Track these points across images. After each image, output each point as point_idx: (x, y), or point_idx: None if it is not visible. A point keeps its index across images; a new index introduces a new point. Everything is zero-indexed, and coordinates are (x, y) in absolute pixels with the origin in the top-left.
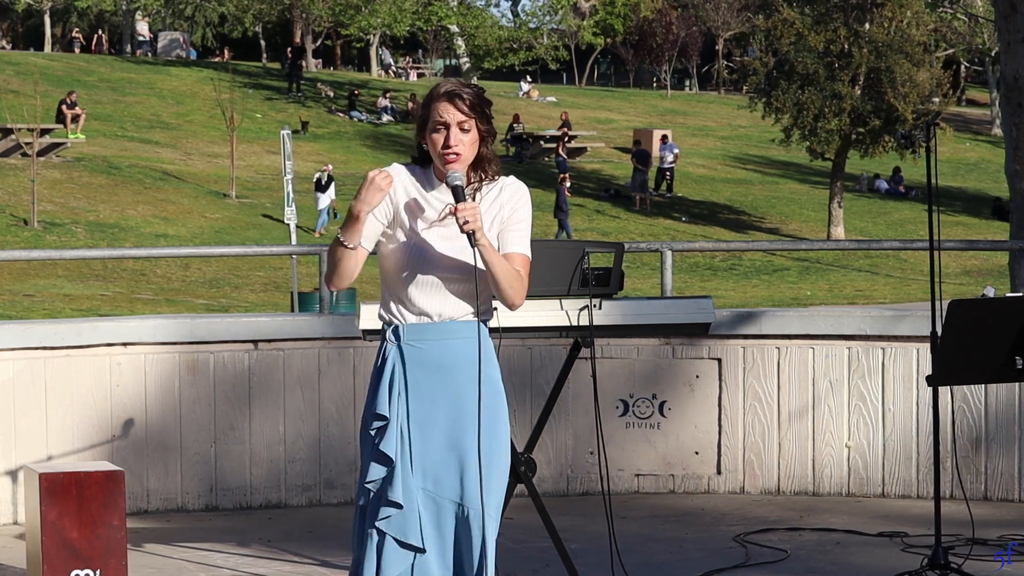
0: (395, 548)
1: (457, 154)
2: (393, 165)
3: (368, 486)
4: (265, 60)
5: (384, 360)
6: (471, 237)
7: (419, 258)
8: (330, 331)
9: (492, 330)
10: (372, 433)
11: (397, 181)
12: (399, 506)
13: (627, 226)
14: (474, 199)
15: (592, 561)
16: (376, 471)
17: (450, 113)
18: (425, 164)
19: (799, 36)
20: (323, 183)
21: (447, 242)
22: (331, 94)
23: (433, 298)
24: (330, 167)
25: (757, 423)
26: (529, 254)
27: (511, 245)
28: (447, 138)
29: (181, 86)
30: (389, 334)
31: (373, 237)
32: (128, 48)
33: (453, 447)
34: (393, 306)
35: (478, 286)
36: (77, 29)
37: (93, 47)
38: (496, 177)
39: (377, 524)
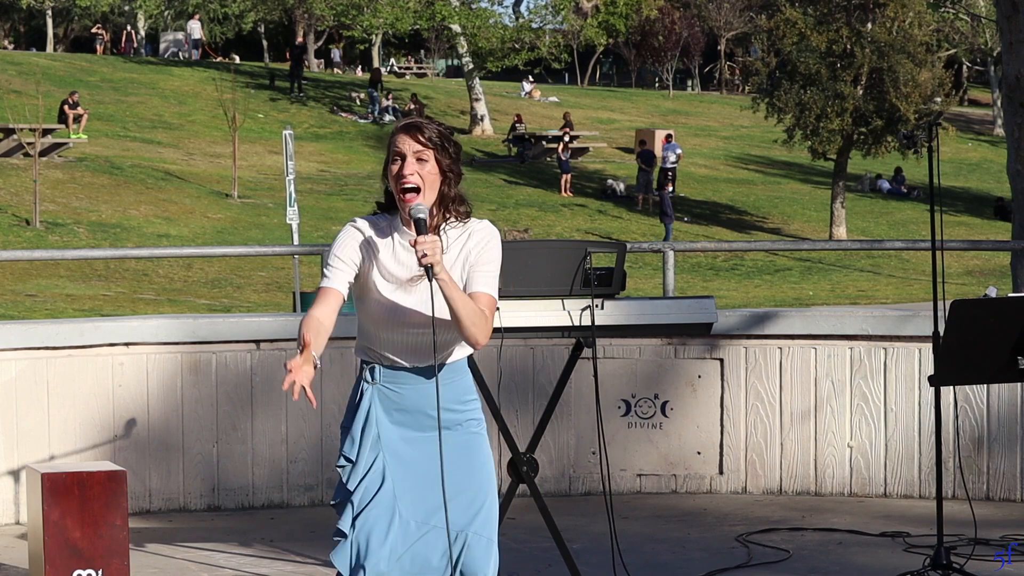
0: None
1: (415, 186)
2: (356, 220)
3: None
4: (268, 60)
5: (361, 397)
6: (428, 271)
7: (390, 315)
8: (332, 332)
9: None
10: (339, 470)
11: (361, 236)
12: (344, 535)
13: (629, 226)
14: (444, 242)
15: (594, 561)
16: (343, 500)
17: (406, 144)
18: (392, 211)
19: (801, 36)
20: None
21: (417, 295)
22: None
23: (405, 351)
24: None
25: (759, 423)
26: (496, 295)
27: (477, 285)
28: (401, 167)
29: (183, 86)
30: (366, 373)
31: (348, 286)
32: (135, 47)
33: (433, 484)
34: (368, 348)
35: (435, 324)
36: (99, 26)
37: (123, 46)
38: (466, 220)
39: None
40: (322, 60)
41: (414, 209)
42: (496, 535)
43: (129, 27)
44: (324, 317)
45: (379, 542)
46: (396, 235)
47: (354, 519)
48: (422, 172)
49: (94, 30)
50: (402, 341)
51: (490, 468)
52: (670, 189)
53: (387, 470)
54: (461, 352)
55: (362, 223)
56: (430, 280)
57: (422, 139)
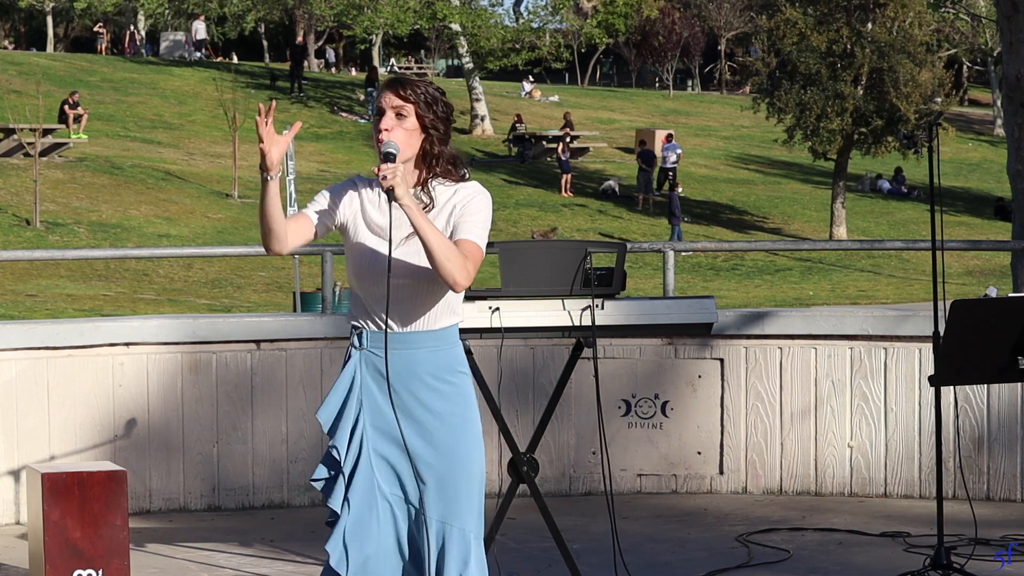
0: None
1: (387, 129)
2: (354, 176)
3: (313, 483)
4: (268, 60)
5: (346, 363)
6: (390, 194)
7: (374, 267)
8: (332, 331)
9: (480, 332)
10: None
11: (354, 189)
12: (336, 514)
13: (629, 226)
14: (429, 197)
15: (595, 561)
16: (321, 471)
17: (387, 99)
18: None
19: (802, 36)
20: None
21: (401, 249)
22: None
23: (392, 308)
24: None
25: (760, 423)
26: (481, 244)
27: (460, 233)
28: (379, 121)
29: (184, 86)
30: (353, 338)
31: (324, 219)
32: (138, 47)
33: (416, 459)
34: (359, 311)
35: (391, 240)
36: (100, 25)
37: (127, 46)
38: (457, 181)
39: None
40: (322, 60)
41: (384, 145)
42: (480, 528)
43: (132, 27)
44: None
45: (362, 524)
46: (380, 190)
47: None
48: (402, 127)
49: (96, 29)
50: (393, 294)
51: (479, 455)
52: (680, 190)
53: (368, 445)
54: (449, 318)
55: (359, 178)
56: (390, 203)
57: (403, 94)
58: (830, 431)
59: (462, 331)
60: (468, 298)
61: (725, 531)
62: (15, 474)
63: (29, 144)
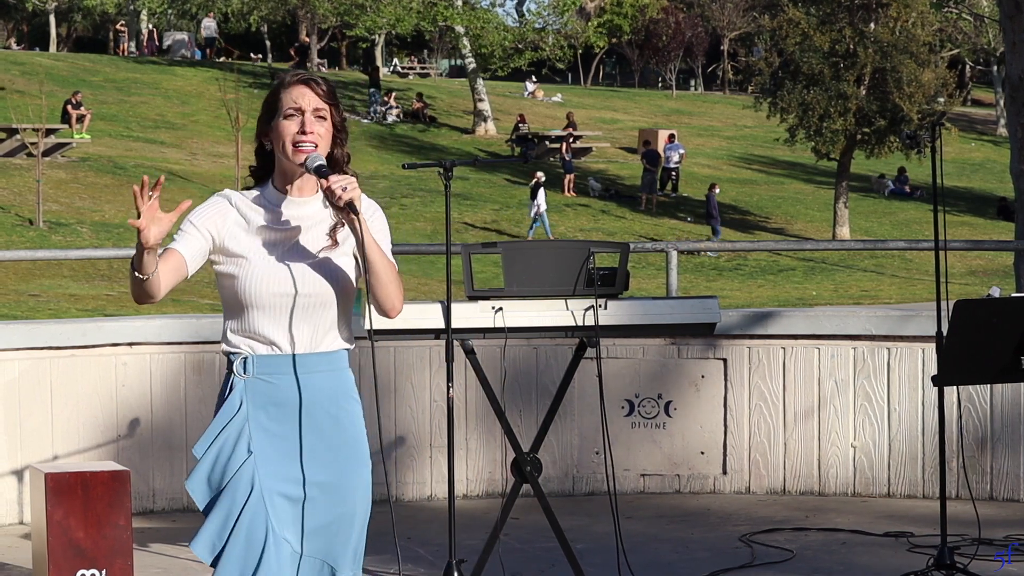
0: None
1: (314, 144)
2: (223, 191)
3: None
4: (271, 60)
5: (231, 392)
6: (351, 206)
7: (267, 282)
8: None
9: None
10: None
11: (228, 206)
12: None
13: (632, 226)
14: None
15: (598, 561)
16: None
17: (306, 98)
18: (262, 180)
19: (804, 36)
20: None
21: (299, 262)
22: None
23: (284, 326)
24: (541, 175)
25: (763, 423)
26: (396, 265)
27: None
28: (303, 124)
29: (186, 86)
30: (237, 366)
31: (197, 255)
32: (157, 46)
33: (311, 497)
34: (238, 336)
35: (367, 269)
36: (122, 24)
37: (145, 45)
38: None
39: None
40: (325, 60)
41: (311, 158)
42: (359, 568)
43: (149, 26)
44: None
45: (256, 563)
46: (269, 199)
47: (228, 536)
48: (322, 132)
49: (118, 27)
50: (284, 311)
51: (368, 492)
52: (717, 190)
53: (256, 477)
54: (343, 341)
55: (231, 192)
56: (356, 214)
57: (322, 93)
58: (833, 431)
59: (467, 330)
60: (471, 298)
61: (728, 531)
62: (18, 474)
63: (32, 144)
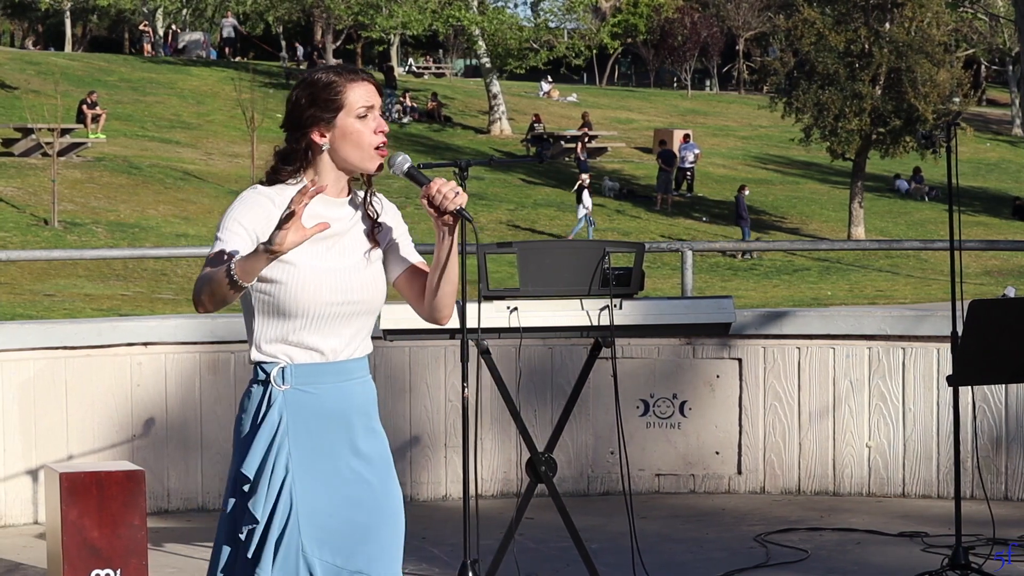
0: None
1: (385, 132)
2: (256, 187)
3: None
4: (285, 60)
5: (269, 407)
6: (463, 212)
7: (319, 290)
8: None
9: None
10: (244, 492)
11: (272, 207)
12: None
13: (648, 226)
14: (381, 205)
15: (613, 561)
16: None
17: (373, 95)
18: (291, 176)
19: (820, 36)
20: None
21: (347, 269)
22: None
23: (329, 333)
24: (585, 178)
25: (778, 423)
26: None
27: (412, 255)
28: (378, 125)
29: (202, 86)
30: (275, 376)
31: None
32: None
33: (353, 510)
34: (276, 344)
35: (442, 275)
36: (145, 23)
37: (169, 44)
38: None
39: None
40: (340, 60)
41: (399, 161)
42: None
43: (174, 26)
44: None
45: None
46: (316, 197)
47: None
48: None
49: (142, 27)
50: (327, 317)
51: (401, 502)
52: (747, 192)
53: (295, 503)
54: (369, 344)
55: (265, 189)
56: (469, 221)
57: (379, 91)
58: (848, 431)
59: (482, 330)
60: (487, 298)
61: (743, 531)
62: (33, 474)
63: (47, 144)
